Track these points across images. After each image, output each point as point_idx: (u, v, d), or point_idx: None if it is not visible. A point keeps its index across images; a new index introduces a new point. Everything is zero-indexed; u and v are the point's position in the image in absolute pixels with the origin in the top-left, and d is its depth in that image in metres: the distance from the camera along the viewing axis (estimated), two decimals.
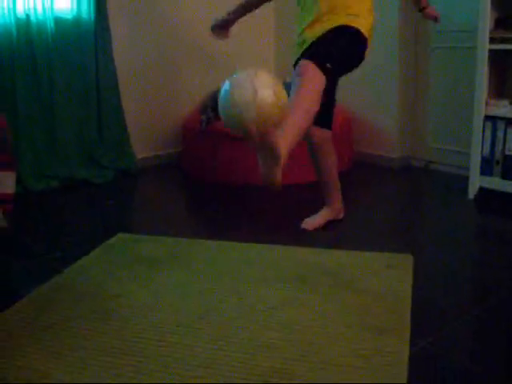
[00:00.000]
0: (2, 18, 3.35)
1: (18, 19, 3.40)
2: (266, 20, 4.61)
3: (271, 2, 2.82)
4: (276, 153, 1.86)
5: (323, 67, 2.23)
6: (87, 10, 3.64)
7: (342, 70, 2.46)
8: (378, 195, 3.43)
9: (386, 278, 2.18)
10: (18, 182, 2.99)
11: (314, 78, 2.21)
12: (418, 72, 3.92)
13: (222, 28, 2.86)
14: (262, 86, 1.70)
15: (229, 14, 2.82)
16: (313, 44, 2.41)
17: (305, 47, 2.45)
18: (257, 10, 2.83)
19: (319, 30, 2.42)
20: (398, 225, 2.94)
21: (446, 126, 3.78)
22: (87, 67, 3.69)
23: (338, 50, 2.36)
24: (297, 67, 2.29)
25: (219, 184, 3.58)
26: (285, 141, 1.94)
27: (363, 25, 2.45)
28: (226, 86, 1.75)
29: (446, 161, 3.81)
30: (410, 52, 3.90)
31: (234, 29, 2.86)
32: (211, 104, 3.59)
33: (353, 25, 2.42)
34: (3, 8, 3.35)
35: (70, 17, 3.61)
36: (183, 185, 3.80)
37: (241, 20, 2.82)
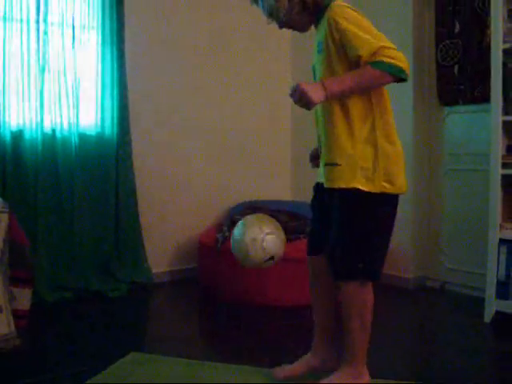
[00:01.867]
0: (30, 132, 3.63)
1: (44, 134, 3.68)
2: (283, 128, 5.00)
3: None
4: None
5: (357, 273, 2.12)
6: (110, 127, 3.92)
7: (383, 251, 2.22)
8: (392, 317, 3.46)
9: None
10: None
11: (358, 302, 2.14)
12: (432, 193, 4.09)
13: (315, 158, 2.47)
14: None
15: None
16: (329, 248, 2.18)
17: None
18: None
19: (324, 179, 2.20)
20: (410, 350, 2.96)
21: (462, 246, 3.88)
22: (108, 181, 3.91)
23: (360, 243, 2.11)
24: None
25: (236, 303, 3.62)
26: None
27: (356, 174, 2.06)
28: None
29: (461, 281, 3.88)
30: (424, 173, 4.09)
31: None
32: (227, 223, 3.78)
33: (344, 186, 2.08)
34: (31, 123, 3.64)
35: (93, 133, 3.90)
36: (198, 302, 3.88)
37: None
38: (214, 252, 3.84)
